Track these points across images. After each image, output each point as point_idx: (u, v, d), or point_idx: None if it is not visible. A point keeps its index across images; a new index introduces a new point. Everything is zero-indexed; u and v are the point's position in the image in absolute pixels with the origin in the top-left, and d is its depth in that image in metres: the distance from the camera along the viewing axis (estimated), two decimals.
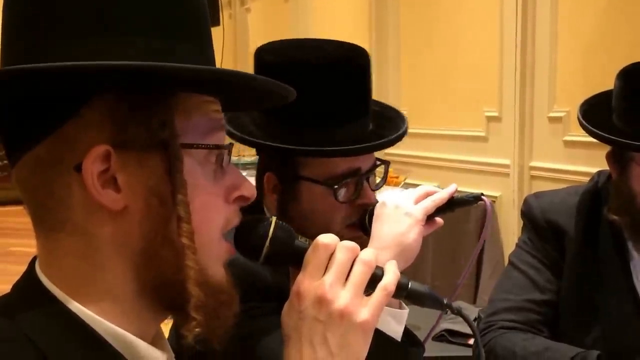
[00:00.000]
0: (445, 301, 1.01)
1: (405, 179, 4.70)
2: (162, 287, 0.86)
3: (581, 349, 1.65)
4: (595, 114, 1.74)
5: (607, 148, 1.75)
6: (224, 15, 6.85)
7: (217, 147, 0.89)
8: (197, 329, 0.84)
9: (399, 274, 0.99)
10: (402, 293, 0.99)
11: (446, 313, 1.06)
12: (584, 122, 1.72)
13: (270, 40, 1.60)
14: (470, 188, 4.49)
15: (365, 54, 1.51)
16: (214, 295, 0.88)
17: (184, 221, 0.83)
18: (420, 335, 2.79)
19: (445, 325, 2.76)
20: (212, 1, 6.64)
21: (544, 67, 3.94)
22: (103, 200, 0.81)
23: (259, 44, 1.78)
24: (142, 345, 0.86)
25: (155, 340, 0.91)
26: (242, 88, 0.91)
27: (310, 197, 1.46)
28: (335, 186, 1.45)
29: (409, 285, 1.00)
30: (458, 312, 1.02)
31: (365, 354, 0.95)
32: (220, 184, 0.90)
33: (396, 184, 4.56)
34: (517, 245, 1.93)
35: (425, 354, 2.61)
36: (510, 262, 1.92)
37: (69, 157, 0.81)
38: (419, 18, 5.07)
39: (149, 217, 0.84)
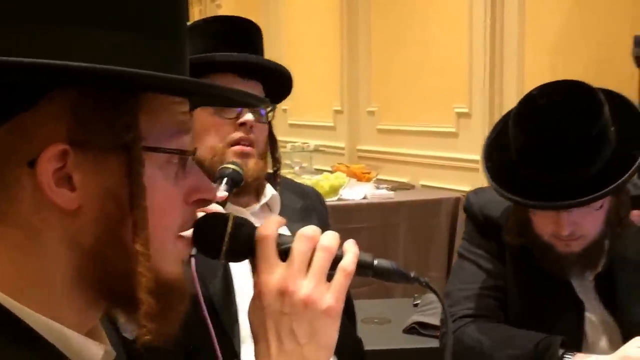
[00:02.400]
0: (412, 275, 1.00)
1: (376, 175, 4.75)
2: (109, 287, 0.82)
3: (544, 334, 1.71)
4: (501, 146, 1.77)
5: None
6: (195, 11, 6.84)
7: (181, 152, 0.85)
8: (147, 337, 0.81)
9: (358, 252, 0.97)
10: (368, 271, 0.98)
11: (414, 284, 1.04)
12: (485, 169, 1.78)
13: None
14: (440, 183, 4.58)
15: None
16: (166, 296, 0.85)
17: (139, 227, 0.80)
18: (391, 327, 2.86)
19: (416, 317, 2.80)
20: None
21: (512, 64, 4.01)
22: (56, 199, 0.77)
23: None
24: (78, 338, 0.82)
25: (91, 332, 0.87)
26: (206, 95, 0.89)
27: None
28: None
29: (374, 263, 0.99)
30: (426, 285, 1.01)
31: (335, 339, 0.94)
32: (181, 186, 0.87)
33: (368, 180, 4.61)
34: (463, 238, 2.02)
35: (396, 347, 2.68)
36: (460, 255, 2.00)
37: (24, 148, 0.77)
38: (390, 16, 5.11)
39: (103, 219, 0.80)
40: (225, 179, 1.64)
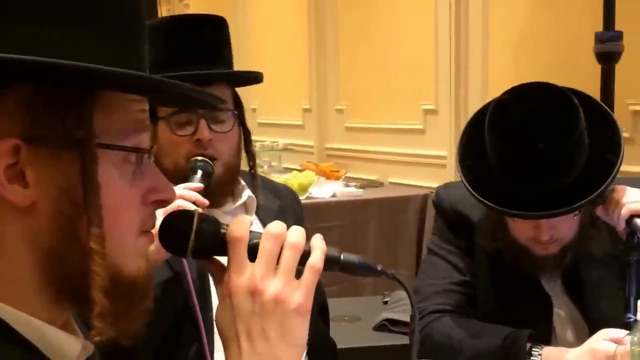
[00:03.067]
0: (379, 268, 1.02)
1: (345, 173, 4.76)
2: (68, 285, 0.82)
3: (512, 328, 1.73)
4: (475, 151, 1.77)
5: None
6: (162, 10, 6.80)
7: (137, 150, 0.84)
8: (97, 338, 0.80)
9: (325, 248, 0.97)
10: (334, 266, 0.99)
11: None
12: (462, 175, 1.77)
13: None
14: (408, 180, 4.61)
15: None
16: (126, 294, 0.84)
17: (94, 225, 0.79)
18: (361, 325, 2.87)
19: (386, 314, 2.81)
20: None
21: (477, 61, 4.05)
22: (8, 195, 0.77)
23: None
24: (55, 332, 0.82)
25: (65, 327, 0.87)
26: (165, 93, 0.88)
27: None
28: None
29: (341, 258, 1.00)
30: (393, 277, 1.03)
31: (305, 337, 0.94)
32: (138, 186, 0.86)
33: (337, 178, 4.62)
34: (433, 233, 2.03)
35: (366, 344, 2.69)
36: (430, 250, 2.01)
37: None
38: (357, 14, 5.13)
39: (59, 217, 0.79)
40: (198, 172, 1.66)
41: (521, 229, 1.76)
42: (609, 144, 1.72)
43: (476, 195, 1.71)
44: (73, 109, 0.78)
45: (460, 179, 1.77)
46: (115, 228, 0.82)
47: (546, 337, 1.80)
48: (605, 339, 1.56)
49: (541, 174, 1.64)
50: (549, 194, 1.63)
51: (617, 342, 1.51)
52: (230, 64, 1.83)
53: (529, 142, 1.62)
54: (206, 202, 1.53)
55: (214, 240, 0.96)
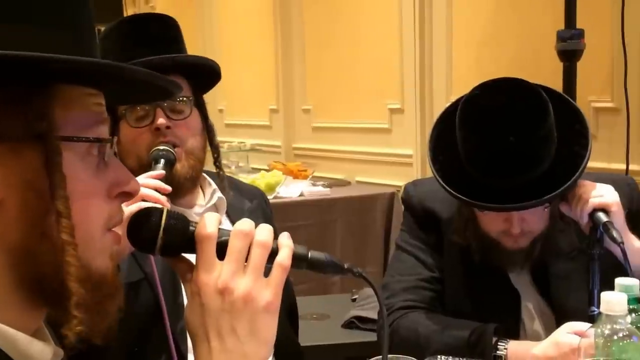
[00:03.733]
0: (346, 266, 1.03)
1: (312, 173, 4.77)
2: (41, 283, 0.81)
3: (478, 323, 1.75)
4: (446, 147, 1.79)
5: None
6: (129, 13, 6.75)
7: (98, 140, 0.85)
8: (78, 327, 0.80)
9: (292, 246, 0.98)
10: (302, 264, 1.00)
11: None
12: (434, 170, 1.80)
13: None
14: (375, 179, 4.63)
15: None
16: (97, 289, 0.85)
17: (63, 216, 0.79)
18: (330, 323, 2.88)
19: (354, 312, 2.83)
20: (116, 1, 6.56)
21: (441, 61, 4.08)
22: None
23: None
24: (25, 339, 0.82)
25: (37, 333, 0.86)
26: (118, 80, 0.88)
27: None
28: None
29: (309, 256, 1.01)
30: (359, 275, 1.03)
31: (274, 334, 0.95)
32: (103, 179, 0.87)
33: (304, 178, 4.62)
34: (401, 229, 2.05)
35: (335, 342, 2.71)
36: (398, 246, 2.02)
37: None
38: (322, 14, 5.13)
39: (26, 212, 0.79)
40: (160, 160, 1.67)
41: (492, 222, 1.78)
42: (577, 137, 1.75)
43: (449, 189, 1.73)
44: (32, 103, 0.78)
45: (427, 177, 1.79)
46: (83, 221, 0.83)
47: (514, 331, 1.82)
48: (569, 332, 1.58)
49: (512, 166, 1.66)
50: (520, 186, 1.66)
51: (581, 335, 1.53)
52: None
53: (500, 135, 1.64)
54: (168, 188, 1.52)
55: (182, 237, 0.96)
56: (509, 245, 1.80)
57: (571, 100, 1.85)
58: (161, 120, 1.72)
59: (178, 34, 1.84)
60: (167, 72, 1.70)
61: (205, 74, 1.85)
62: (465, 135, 1.72)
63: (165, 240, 0.96)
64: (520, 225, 1.74)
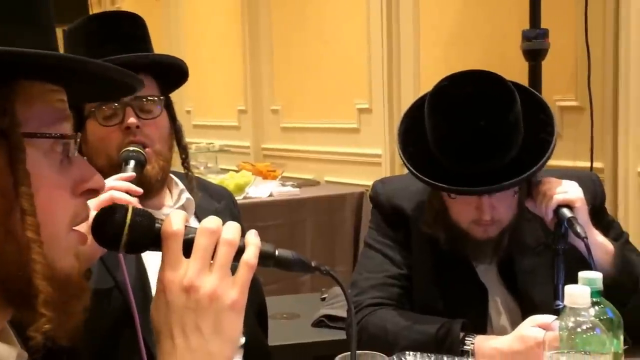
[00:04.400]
0: (313, 264, 1.03)
1: (282, 173, 4.77)
2: (5, 283, 0.80)
3: (445, 319, 1.77)
4: (415, 139, 1.83)
5: None
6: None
7: (62, 136, 0.85)
8: (46, 326, 0.79)
9: (259, 244, 0.98)
10: (269, 262, 1.00)
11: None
12: (404, 159, 1.82)
13: None
14: (344, 179, 4.64)
15: None
16: (63, 288, 0.84)
17: (27, 214, 0.78)
18: (300, 322, 2.88)
19: (324, 311, 2.83)
20: (81, 1, 6.49)
21: (408, 60, 4.11)
22: None
23: None
24: None
25: (0, 335, 0.86)
26: (81, 74, 0.86)
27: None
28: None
29: (276, 253, 1.01)
30: (327, 273, 1.03)
31: (239, 333, 0.95)
32: (67, 176, 0.86)
33: (273, 178, 4.62)
34: (369, 227, 2.06)
35: (305, 340, 2.71)
36: (366, 244, 2.03)
37: None
38: (290, 14, 5.14)
39: None
40: (130, 162, 1.65)
41: (463, 211, 1.80)
42: (543, 126, 1.79)
43: (421, 176, 1.75)
44: None
45: (394, 175, 1.80)
46: (48, 218, 0.82)
47: (482, 326, 1.84)
48: (533, 325, 1.61)
49: (482, 152, 1.69)
50: (490, 172, 1.69)
51: (545, 327, 1.56)
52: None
53: (470, 121, 1.68)
54: (139, 190, 1.50)
55: (148, 234, 0.96)
56: (479, 235, 1.82)
57: (536, 92, 1.90)
58: (132, 120, 1.71)
59: (146, 33, 1.83)
60: (137, 70, 1.69)
61: (174, 74, 1.84)
62: (435, 124, 1.75)
63: (130, 237, 0.95)
64: (490, 212, 1.76)
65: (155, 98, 1.77)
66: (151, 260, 1.66)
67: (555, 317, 1.55)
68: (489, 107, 1.69)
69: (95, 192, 0.90)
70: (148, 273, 1.70)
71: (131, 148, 1.68)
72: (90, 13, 6.53)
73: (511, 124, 1.70)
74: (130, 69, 0.88)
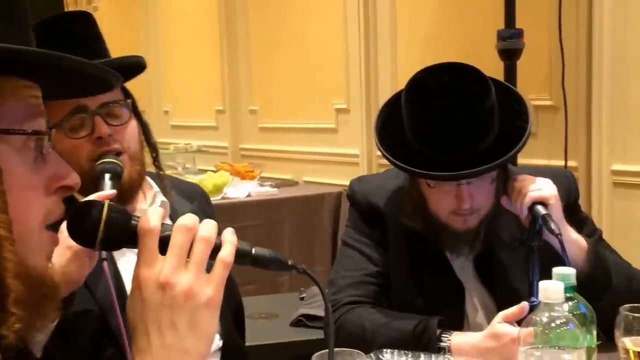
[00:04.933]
0: (290, 262, 1.02)
1: (260, 173, 4.77)
2: None
3: (422, 316, 1.78)
4: (392, 132, 1.85)
5: None
6: None
7: (36, 133, 0.84)
8: (17, 325, 0.78)
9: (236, 242, 0.97)
10: (246, 260, 0.99)
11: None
12: (382, 150, 1.85)
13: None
14: (323, 179, 4.65)
15: None
16: (34, 287, 0.83)
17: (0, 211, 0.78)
18: (279, 322, 2.89)
19: (302, 310, 2.84)
20: (57, 0, 6.45)
21: (386, 60, 4.13)
22: None
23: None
24: None
25: None
26: (56, 70, 0.86)
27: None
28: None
29: (252, 252, 1.00)
30: (303, 271, 1.03)
31: (214, 330, 0.95)
32: (41, 174, 0.86)
33: (252, 178, 4.62)
34: (346, 225, 2.07)
35: (284, 340, 2.72)
36: (344, 242, 2.04)
37: None
38: (268, 14, 5.14)
39: None
40: (107, 175, 1.61)
41: (442, 201, 1.82)
42: (518, 115, 1.82)
43: (400, 164, 1.77)
44: None
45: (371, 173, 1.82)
46: (21, 216, 0.81)
47: (459, 323, 1.86)
48: (500, 321, 1.63)
49: (459, 139, 1.72)
50: (468, 159, 1.71)
51: (511, 318, 1.59)
52: (107, 56, 1.77)
53: (446, 109, 1.71)
54: None
55: (124, 231, 0.95)
56: (458, 226, 1.83)
57: (510, 85, 1.94)
58: (104, 129, 1.66)
59: (98, 32, 1.78)
60: None
61: (135, 72, 1.81)
62: (412, 113, 1.77)
63: (105, 233, 0.94)
64: (469, 200, 1.78)
65: (121, 102, 1.73)
66: (128, 272, 1.65)
67: (519, 305, 1.60)
68: (464, 95, 1.72)
69: (69, 189, 0.90)
70: (125, 285, 1.68)
71: (107, 159, 1.63)
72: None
73: (487, 111, 1.73)
74: None
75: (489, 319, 1.85)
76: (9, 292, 0.78)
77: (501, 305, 1.83)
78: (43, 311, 0.85)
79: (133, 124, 1.76)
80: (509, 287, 1.87)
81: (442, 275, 1.90)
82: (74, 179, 0.90)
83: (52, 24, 1.70)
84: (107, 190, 1.56)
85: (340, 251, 2.06)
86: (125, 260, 1.66)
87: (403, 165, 1.77)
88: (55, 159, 0.88)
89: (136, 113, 1.80)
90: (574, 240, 1.76)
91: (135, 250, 0.96)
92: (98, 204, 0.95)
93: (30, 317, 0.81)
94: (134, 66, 1.78)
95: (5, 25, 0.81)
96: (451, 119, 1.71)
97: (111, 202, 0.97)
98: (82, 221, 0.94)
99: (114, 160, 1.65)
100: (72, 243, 1.04)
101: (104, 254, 1.42)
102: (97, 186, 1.58)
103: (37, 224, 0.85)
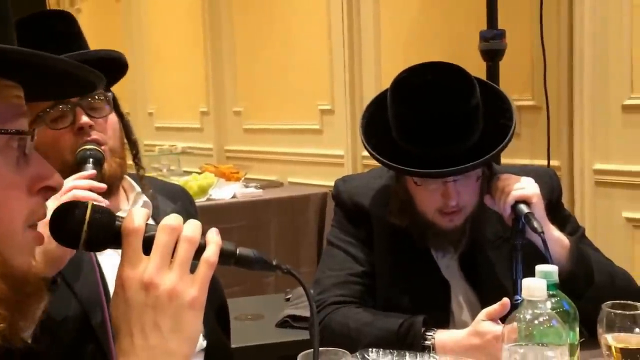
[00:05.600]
0: (274, 262, 1.02)
1: (245, 175, 4.77)
2: None
3: (407, 315, 1.79)
4: (377, 131, 1.87)
5: None
6: None
7: (19, 132, 0.84)
8: (1, 324, 0.78)
9: (220, 242, 0.97)
10: (230, 260, 0.99)
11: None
12: (369, 149, 1.86)
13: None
14: (308, 179, 4.66)
15: None
16: (18, 287, 0.83)
17: None
18: (264, 322, 2.89)
19: (288, 311, 2.84)
20: (39, 2, 6.42)
21: (369, 61, 4.14)
22: None
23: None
24: None
25: None
26: (40, 70, 0.86)
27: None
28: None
29: (237, 252, 1.00)
30: (288, 271, 1.03)
31: (198, 330, 0.94)
32: (24, 174, 0.85)
33: (237, 180, 4.62)
34: (332, 225, 2.08)
35: (269, 341, 2.72)
36: (329, 242, 2.05)
37: None
38: (252, 15, 5.14)
39: None
40: (89, 160, 1.62)
41: (428, 198, 1.83)
42: (502, 112, 1.84)
43: (387, 162, 1.78)
44: None
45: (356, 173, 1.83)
46: (4, 216, 0.81)
47: (444, 321, 1.87)
48: (483, 318, 1.64)
49: (445, 136, 1.74)
50: (453, 156, 1.73)
51: (494, 315, 1.60)
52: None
53: (431, 106, 1.73)
54: (103, 186, 1.48)
55: (108, 231, 0.94)
56: (444, 225, 1.84)
57: (493, 84, 1.96)
58: (85, 120, 1.67)
59: (79, 30, 1.78)
60: None
61: (115, 68, 1.80)
62: (397, 111, 1.79)
63: (89, 234, 0.93)
64: (456, 198, 1.79)
65: (103, 96, 1.73)
66: (110, 267, 1.65)
67: (500, 302, 1.62)
68: (449, 93, 1.74)
69: (52, 189, 0.89)
70: (108, 286, 1.67)
71: (88, 146, 1.64)
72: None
73: (472, 108, 1.75)
74: None
75: (474, 317, 1.86)
76: None
77: (486, 303, 1.85)
78: (27, 310, 0.84)
79: (113, 119, 1.76)
80: (494, 285, 1.88)
81: (428, 274, 1.91)
82: (57, 180, 0.90)
83: (32, 22, 1.70)
84: (88, 170, 1.56)
85: (326, 251, 2.07)
86: (107, 257, 1.66)
87: (390, 163, 1.78)
88: (38, 160, 0.88)
89: (117, 109, 1.80)
90: (557, 239, 1.78)
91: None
92: (82, 205, 0.95)
93: (13, 317, 0.80)
94: (115, 60, 1.78)
95: None
96: (436, 117, 1.73)
97: (94, 203, 0.96)
98: (64, 222, 0.94)
99: (95, 147, 1.65)
100: None
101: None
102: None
103: (20, 224, 0.85)
